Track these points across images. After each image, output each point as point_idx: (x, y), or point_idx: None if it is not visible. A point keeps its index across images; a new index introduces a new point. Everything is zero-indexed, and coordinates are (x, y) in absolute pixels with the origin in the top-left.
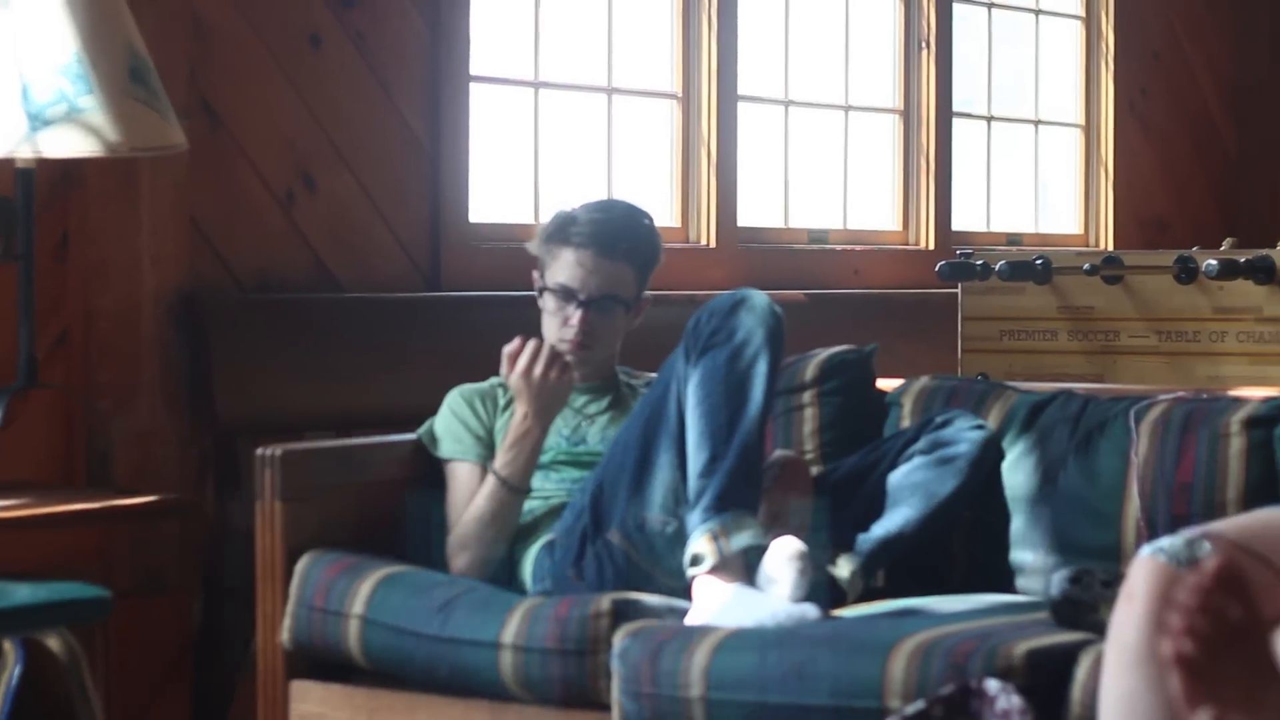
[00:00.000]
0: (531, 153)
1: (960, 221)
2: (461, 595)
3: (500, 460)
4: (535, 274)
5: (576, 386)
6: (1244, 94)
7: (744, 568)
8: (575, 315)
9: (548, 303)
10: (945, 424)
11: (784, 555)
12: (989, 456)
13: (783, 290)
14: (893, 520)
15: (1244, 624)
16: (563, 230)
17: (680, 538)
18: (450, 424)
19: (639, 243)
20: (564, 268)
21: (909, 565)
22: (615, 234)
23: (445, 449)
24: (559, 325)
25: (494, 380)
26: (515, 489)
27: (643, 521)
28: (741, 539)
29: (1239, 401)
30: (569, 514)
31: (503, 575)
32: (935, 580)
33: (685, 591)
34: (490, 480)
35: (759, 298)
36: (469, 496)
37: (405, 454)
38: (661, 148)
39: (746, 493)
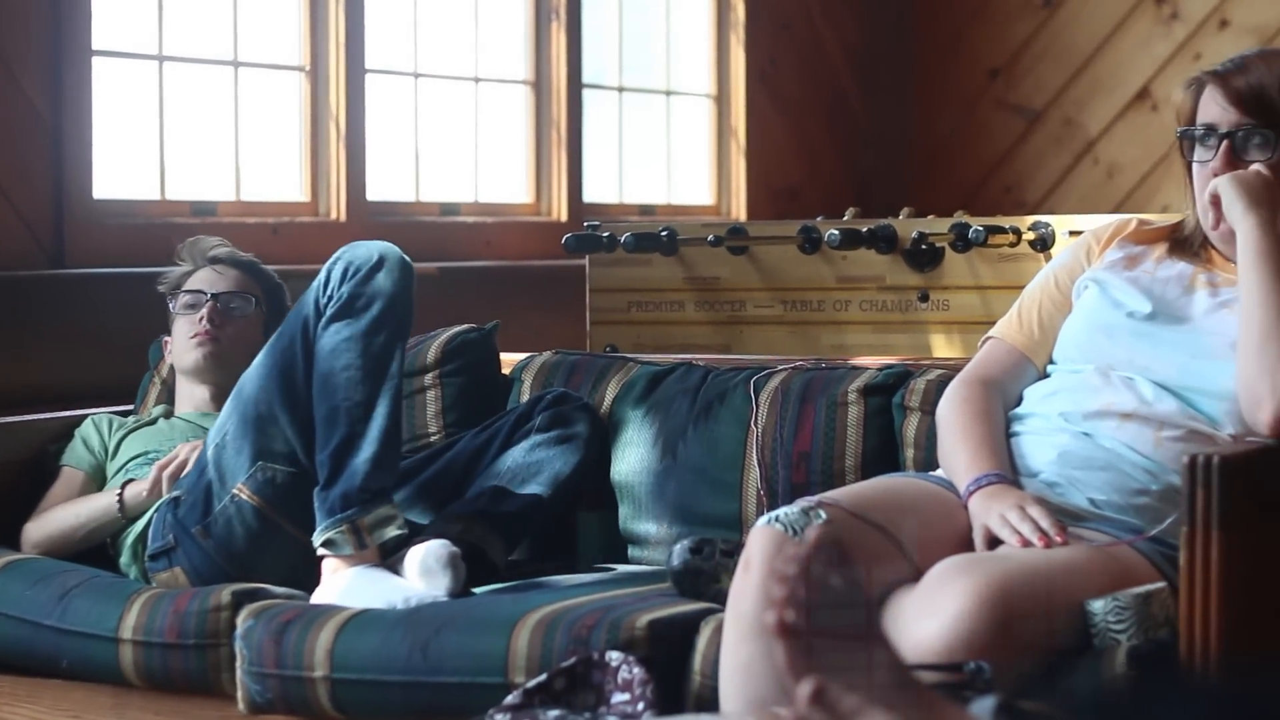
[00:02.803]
0: (157, 128)
1: (594, 193)
2: (82, 584)
3: (133, 490)
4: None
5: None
6: (872, 63)
7: (377, 548)
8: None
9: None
10: (558, 402)
11: (436, 558)
12: (603, 433)
13: (415, 263)
14: (519, 499)
15: (847, 592)
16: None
17: (309, 484)
18: (75, 443)
19: (263, 272)
20: (199, 280)
21: (535, 541)
22: (238, 253)
23: (64, 459)
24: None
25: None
26: (127, 518)
27: (272, 474)
28: (384, 533)
29: (857, 370)
30: (193, 470)
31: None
32: (560, 554)
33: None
34: (109, 499)
35: (397, 259)
36: (66, 497)
37: (27, 437)
38: (290, 121)
39: (387, 478)
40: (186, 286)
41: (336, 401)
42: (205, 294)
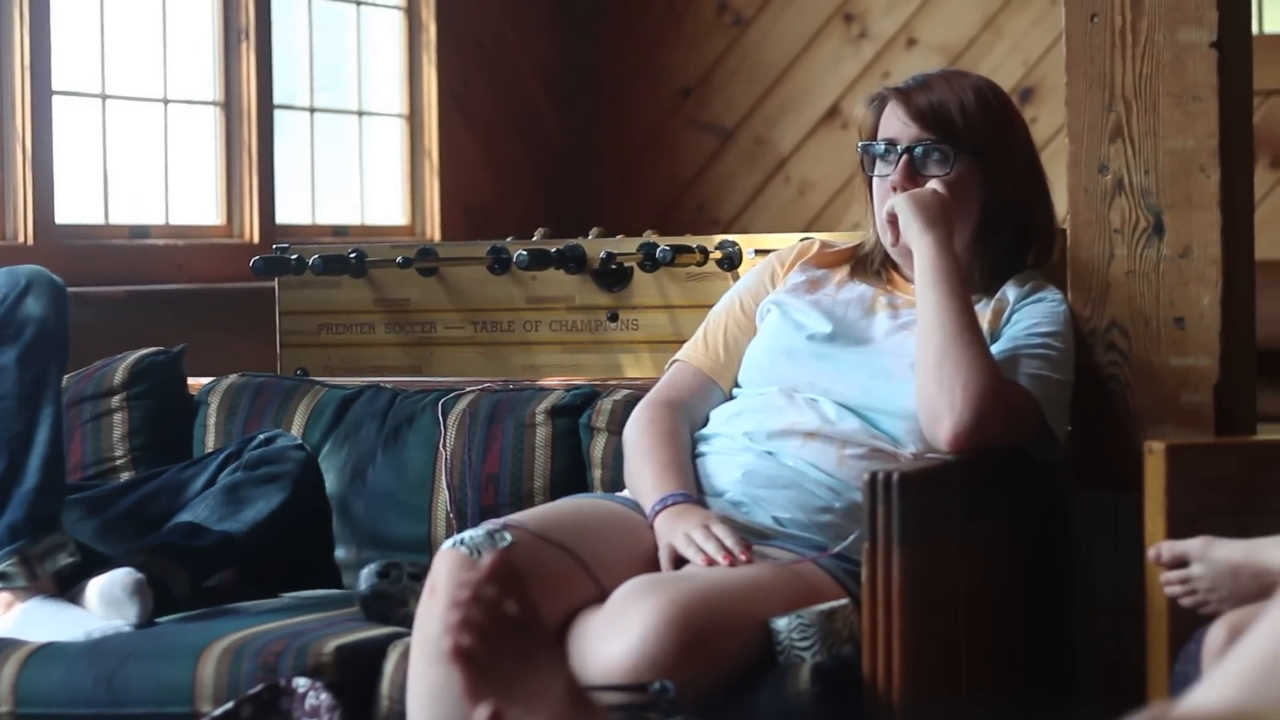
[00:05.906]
0: None
1: (286, 214)
2: None
3: None
4: None
5: None
6: (565, 82)
7: (52, 578)
8: None
9: None
10: (268, 442)
11: (122, 587)
12: (316, 471)
13: (104, 287)
14: (213, 535)
15: (523, 616)
16: None
17: None
18: None
19: None
20: None
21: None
22: None
23: None
24: None
25: None
26: None
27: None
28: (55, 561)
29: (545, 391)
30: None
31: None
32: (254, 580)
33: None
34: None
35: (46, 281)
36: None
37: None
38: None
39: (53, 506)
40: None
41: None
42: None
